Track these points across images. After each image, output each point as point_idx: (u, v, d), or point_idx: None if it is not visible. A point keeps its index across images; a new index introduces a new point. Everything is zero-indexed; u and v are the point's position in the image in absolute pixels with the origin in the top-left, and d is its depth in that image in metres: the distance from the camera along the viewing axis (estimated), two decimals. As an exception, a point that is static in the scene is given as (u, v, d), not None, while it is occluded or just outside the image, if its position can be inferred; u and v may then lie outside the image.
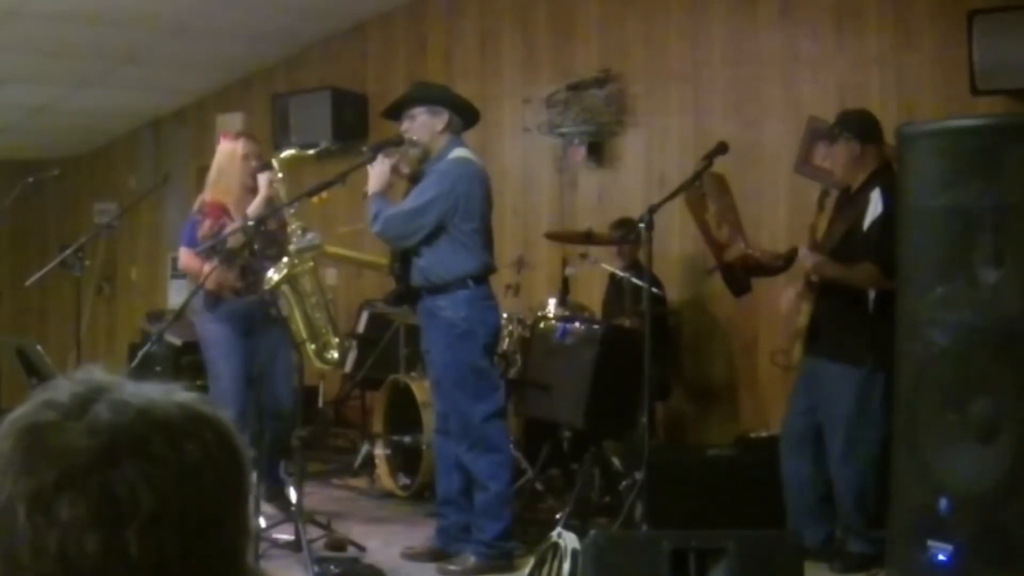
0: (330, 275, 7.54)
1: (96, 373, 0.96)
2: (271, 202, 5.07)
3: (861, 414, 4.52)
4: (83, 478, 0.88)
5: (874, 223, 4.46)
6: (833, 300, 4.60)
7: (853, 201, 4.57)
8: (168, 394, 0.96)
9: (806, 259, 4.62)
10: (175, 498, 0.90)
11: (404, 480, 6.07)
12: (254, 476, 4.66)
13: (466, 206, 4.67)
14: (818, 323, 4.65)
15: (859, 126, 4.65)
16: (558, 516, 4.91)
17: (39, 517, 0.88)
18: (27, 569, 0.88)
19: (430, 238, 4.66)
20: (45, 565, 0.88)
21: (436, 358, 4.77)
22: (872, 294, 4.54)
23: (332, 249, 5.30)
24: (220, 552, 0.94)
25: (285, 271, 4.77)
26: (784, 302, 4.87)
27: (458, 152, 4.75)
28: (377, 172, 4.70)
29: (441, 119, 4.75)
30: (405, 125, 4.78)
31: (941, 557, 3.66)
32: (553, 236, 6.24)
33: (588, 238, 5.82)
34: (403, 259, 4.82)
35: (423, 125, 4.74)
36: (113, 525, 0.88)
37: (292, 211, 4.83)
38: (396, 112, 4.88)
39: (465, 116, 4.90)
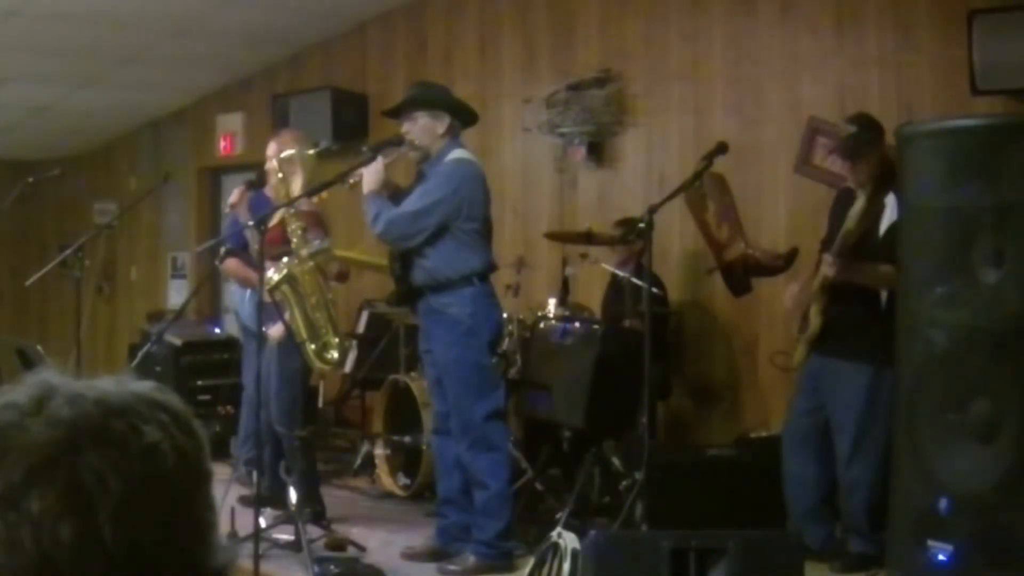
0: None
1: (47, 374, 0.98)
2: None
3: (871, 412, 4.51)
4: (50, 471, 0.90)
5: (891, 229, 4.43)
6: (847, 302, 4.58)
7: (869, 209, 4.50)
8: (121, 384, 0.98)
9: (831, 267, 4.50)
10: (141, 480, 0.92)
11: (404, 480, 6.07)
12: (255, 476, 4.72)
13: (469, 207, 4.69)
14: (830, 325, 4.62)
15: (877, 124, 4.62)
16: (558, 516, 4.91)
17: (11, 514, 0.89)
18: (3, 568, 0.89)
19: (433, 238, 4.66)
20: (21, 560, 0.89)
21: (440, 356, 4.77)
22: (884, 293, 4.52)
23: (340, 252, 5.31)
24: (191, 530, 0.96)
25: (285, 271, 4.77)
26: (788, 298, 4.86)
27: (457, 153, 4.76)
28: (372, 171, 4.70)
29: (442, 123, 4.76)
30: (406, 127, 4.79)
31: (941, 557, 3.66)
32: (553, 236, 6.24)
33: (588, 238, 5.82)
34: (403, 259, 4.82)
35: (424, 128, 4.75)
36: (85, 513, 0.89)
37: (292, 211, 4.83)
38: (396, 112, 4.89)
39: (464, 118, 4.91)
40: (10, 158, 9.46)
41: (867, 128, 4.60)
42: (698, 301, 6.38)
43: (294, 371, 5.14)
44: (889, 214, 4.46)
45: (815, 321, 4.64)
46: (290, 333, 4.85)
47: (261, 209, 4.99)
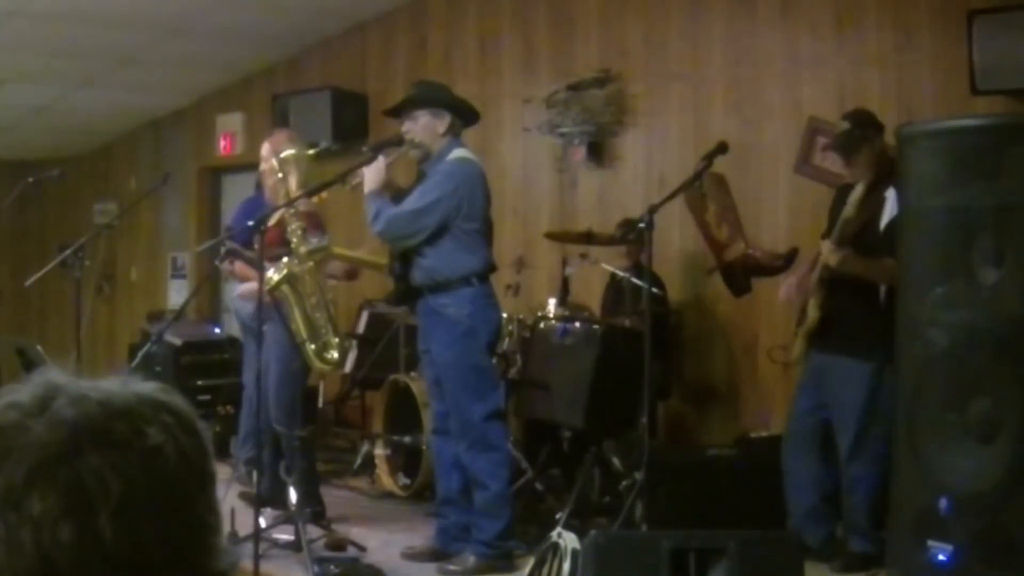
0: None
1: (52, 374, 0.98)
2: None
3: (872, 409, 4.51)
4: (51, 471, 0.90)
5: (891, 223, 4.43)
6: (846, 296, 4.57)
7: (868, 198, 4.50)
8: (125, 385, 0.98)
9: (832, 254, 4.52)
10: (143, 481, 0.92)
11: (404, 480, 6.07)
12: (255, 476, 4.72)
13: (469, 207, 4.69)
14: (829, 319, 4.62)
15: (873, 121, 4.62)
16: (558, 516, 4.91)
17: (11, 515, 0.89)
18: (4, 568, 0.89)
19: (433, 238, 4.66)
20: (22, 561, 0.89)
21: (438, 356, 4.77)
22: (883, 289, 4.52)
23: (338, 250, 5.31)
24: (193, 532, 0.96)
25: (285, 271, 4.77)
26: (784, 291, 4.85)
27: (458, 153, 4.76)
28: (373, 171, 4.69)
29: (443, 121, 4.76)
30: (407, 126, 4.78)
31: (941, 557, 3.66)
32: (553, 236, 6.24)
33: (588, 238, 5.82)
34: (403, 259, 4.82)
35: (425, 127, 4.75)
36: (85, 514, 0.89)
37: (291, 211, 4.83)
38: (397, 111, 4.88)
39: (465, 117, 4.91)
40: (10, 158, 9.46)
41: (861, 124, 4.61)
42: (698, 301, 6.38)
43: (294, 371, 5.14)
44: (890, 209, 4.45)
45: (813, 314, 4.64)
46: (285, 325, 4.83)
47: (258, 212, 4.98)
